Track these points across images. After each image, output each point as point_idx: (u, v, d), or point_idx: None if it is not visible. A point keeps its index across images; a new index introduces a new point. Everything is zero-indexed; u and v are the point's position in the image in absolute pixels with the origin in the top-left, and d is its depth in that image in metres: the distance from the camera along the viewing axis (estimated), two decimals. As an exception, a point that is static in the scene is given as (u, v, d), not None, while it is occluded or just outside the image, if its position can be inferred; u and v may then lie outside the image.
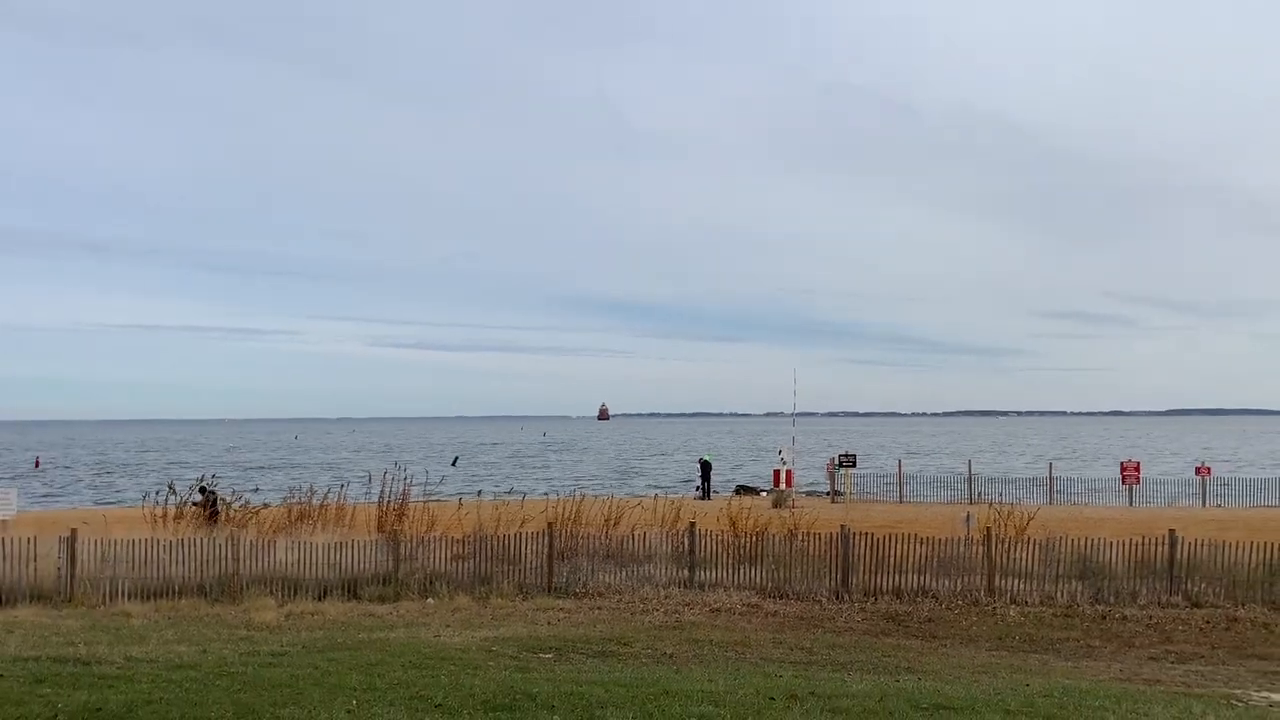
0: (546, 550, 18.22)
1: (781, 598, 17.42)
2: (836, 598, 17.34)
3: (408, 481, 23.19)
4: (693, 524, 19.22)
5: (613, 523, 20.83)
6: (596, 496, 26.94)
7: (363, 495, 24.00)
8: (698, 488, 41.84)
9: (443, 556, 18.23)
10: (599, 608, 16.55)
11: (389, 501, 22.16)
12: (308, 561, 17.55)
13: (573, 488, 27.19)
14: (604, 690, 8.96)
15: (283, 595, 16.88)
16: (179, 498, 22.07)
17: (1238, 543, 17.41)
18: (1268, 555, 17.04)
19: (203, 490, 22.76)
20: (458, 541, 18.58)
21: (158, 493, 22.71)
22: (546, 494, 30.51)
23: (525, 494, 29.79)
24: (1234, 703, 9.91)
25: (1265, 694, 10.88)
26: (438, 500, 24.46)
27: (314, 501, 22.46)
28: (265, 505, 22.58)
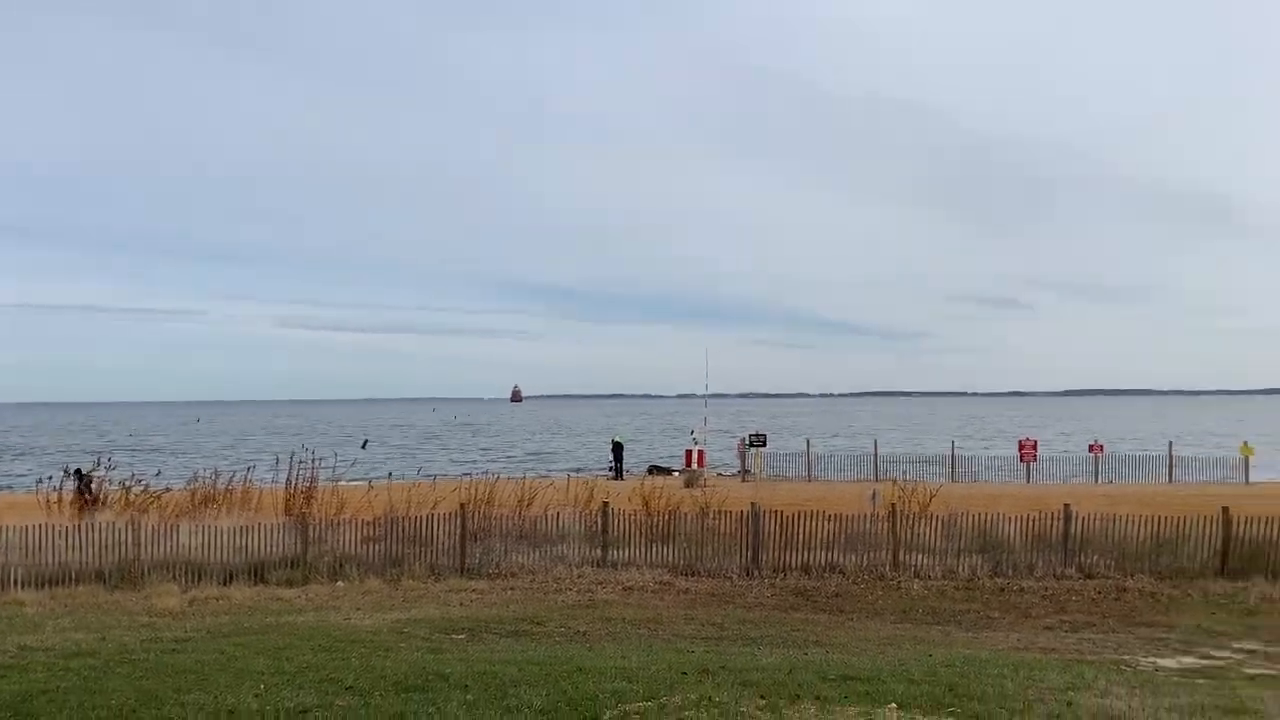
0: (459, 531, 18.10)
1: (693, 575, 17.63)
2: (747, 574, 17.63)
3: (316, 464, 22.74)
4: (606, 504, 19.31)
5: (526, 503, 20.78)
6: (509, 478, 26.83)
7: (269, 478, 23.41)
8: (610, 468, 41.99)
9: (352, 539, 17.97)
10: (512, 588, 16.53)
11: (296, 484, 21.70)
12: (212, 546, 17.11)
13: (485, 469, 27.03)
14: (517, 669, 8.97)
15: (186, 581, 16.44)
16: (71, 482, 21.29)
17: (1127, 517, 18.19)
18: (1155, 529, 17.84)
19: (78, 474, 21.96)
20: (368, 524, 18.33)
21: (51, 477, 21.86)
22: (459, 476, 30.24)
23: (437, 476, 29.45)
24: (1123, 668, 10.40)
25: (1152, 659, 11.44)
26: (347, 483, 24.03)
27: (218, 485, 21.85)
28: (167, 489, 21.90)
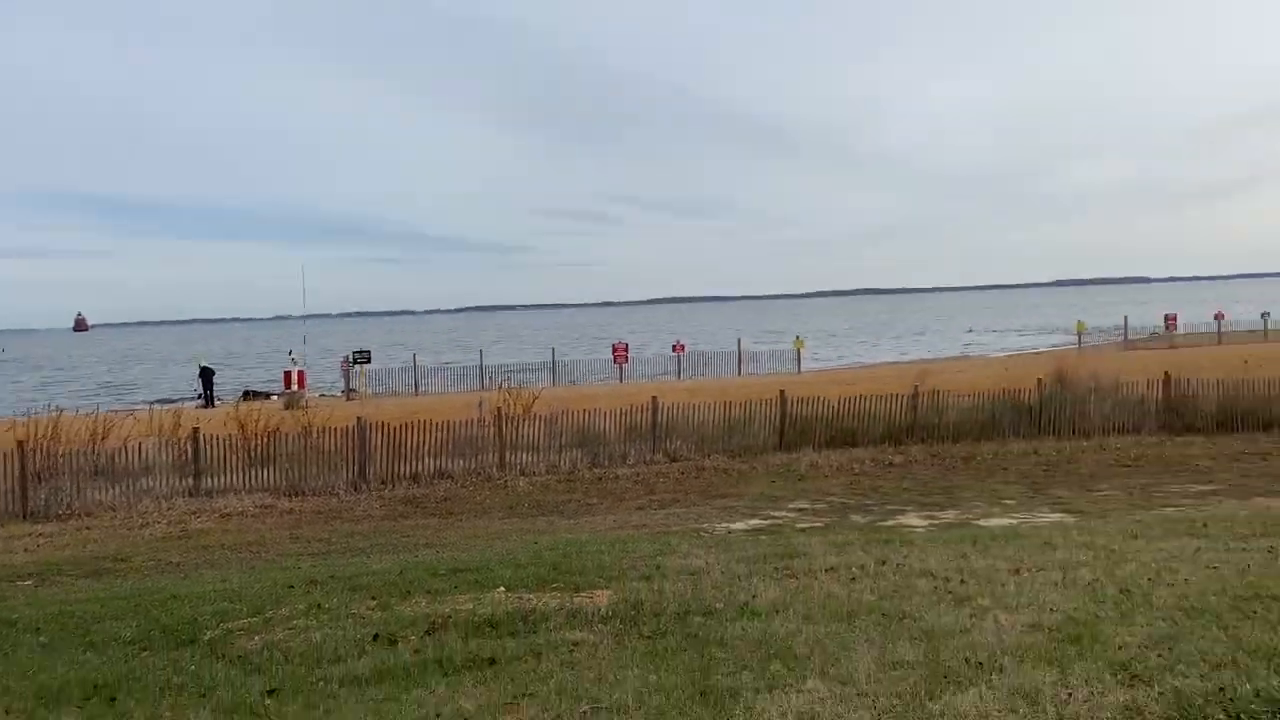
0: (18, 472, 16.03)
1: (298, 496, 17.05)
2: (355, 489, 17.36)
3: None
4: (196, 429, 18.00)
5: (101, 438, 18.77)
6: (78, 412, 24.04)
7: None
8: (199, 395, 39.06)
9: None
10: (89, 528, 15.00)
11: None
12: None
13: (46, 404, 23.88)
14: (100, 605, 8.24)
15: None
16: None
17: (704, 405, 20.16)
18: (727, 414, 19.96)
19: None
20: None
21: None
22: (13, 413, 26.55)
23: (-15, 415, 25.68)
24: (701, 534, 11.64)
25: (725, 525, 12.91)
26: None
27: None
28: None
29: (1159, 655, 4.54)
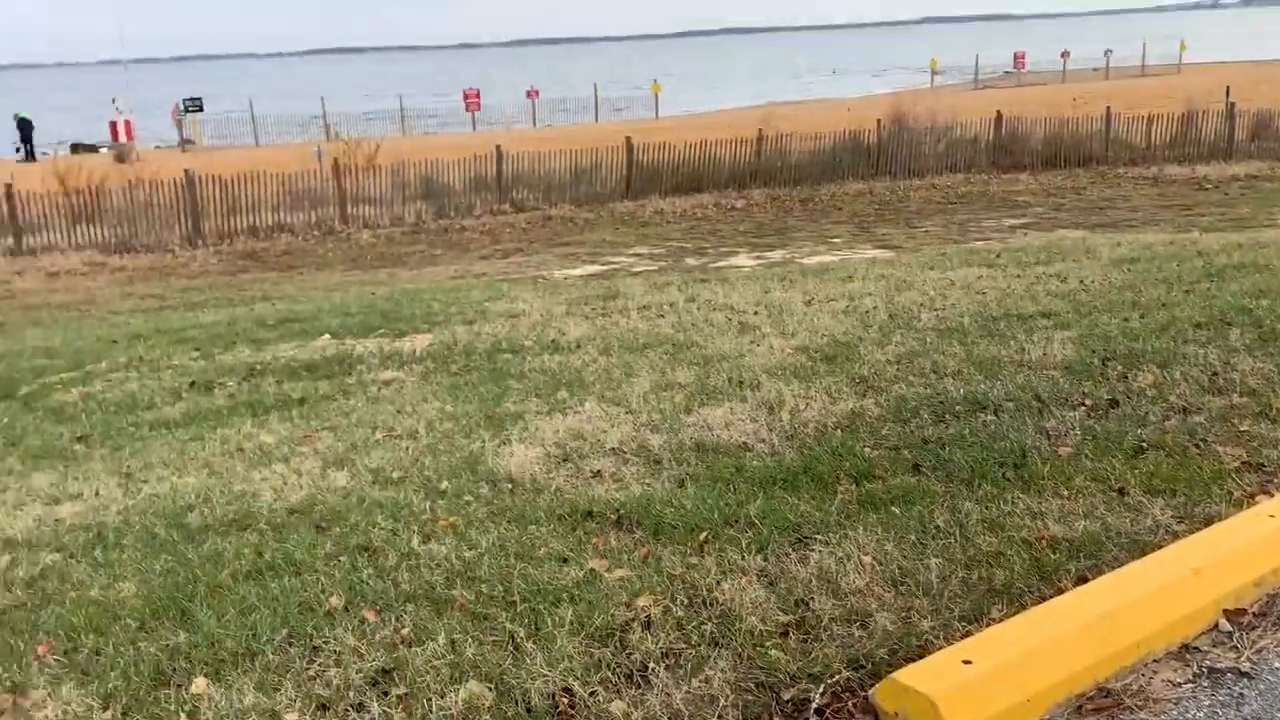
0: None
1: (130, 252, 16.56)
2: (190, 244, 16.94)
3: None
4: (9, 185, 16.98)
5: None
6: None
7: None
8: (17, 149, 36.31)
9: None
10: (-101, 292, 14.34)
11: None
12: None
13: None
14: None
15: None
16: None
17: (552, 153, 20.01)
18: (574, 162, 19.89)
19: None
20: None
21: None
22: None
23: None
24: (538, 281, 11.95)
25: (564, 271, 13.25)
26: None
27: None
28: None
29: (897, 369, 5.13)
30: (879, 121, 21.71)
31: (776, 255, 13.73)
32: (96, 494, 4.26)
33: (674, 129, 30.56)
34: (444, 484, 3.95)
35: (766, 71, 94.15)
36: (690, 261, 13.60)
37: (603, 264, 13.81)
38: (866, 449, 4.00)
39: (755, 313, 7.21)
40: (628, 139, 20.26)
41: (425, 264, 14.98)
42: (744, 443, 4.19)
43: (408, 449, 4.49)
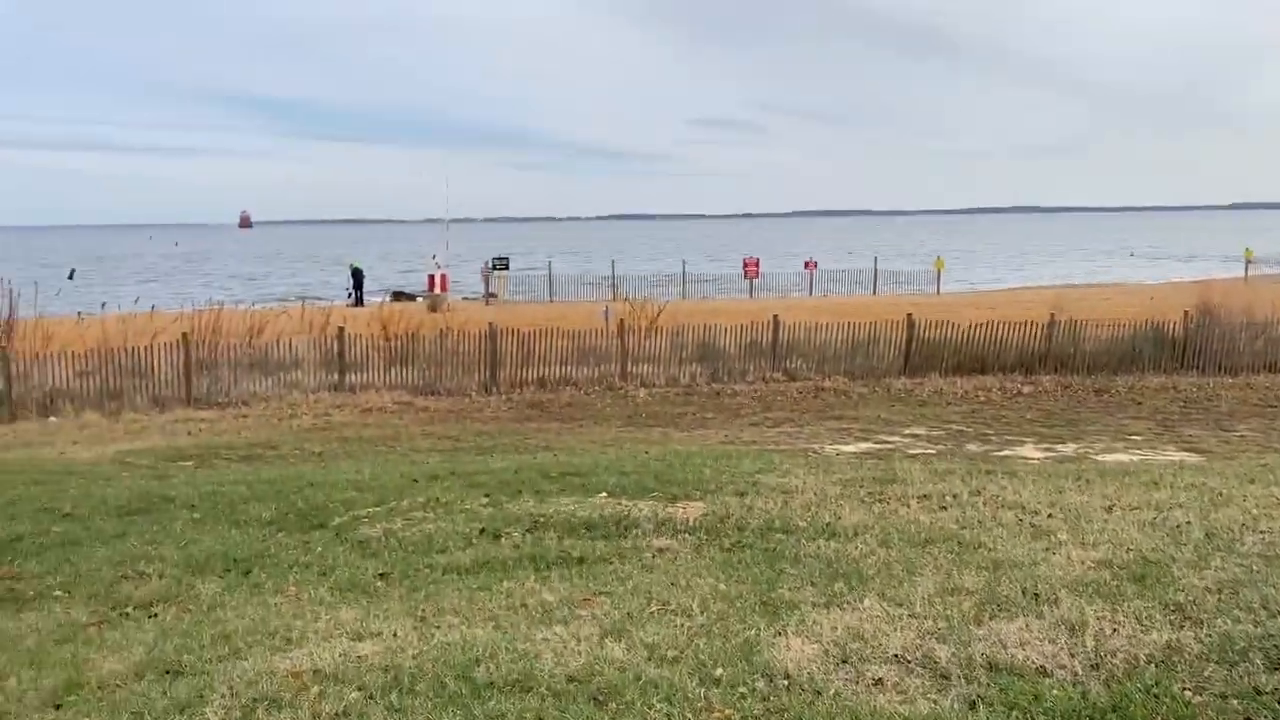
0: (183, 361, 17.44)
1: (433, 395, 18.01)
2: (486, 391, 18.22)
3: (14, 295, 20.87)
4: (342, 328, 19.13)
5: (257, 332, 20.18)
6: (239, 307, 25.76)
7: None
8: (349, 295, 41.03)
9: (64, 373, 16.93)
10: (244, 416, 16.29)
11: (-9, 318, 19.89)
12: (-106, 386, 15.63)
13: (209, 298, 25.73)
14: (247, 488, 9.10)
15: None
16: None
17: (828, 324, 20.12)
18: (851, 334, 19.88)
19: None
20: (81, 357, 17.28)
21: None
22: (180, 306, 28.64)
23: (155, 306, 27.77)
24: (809, 454, 11.86)
25: (835, 446, 13.09)
26: (53, 315, 22.30)
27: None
28: None
29: (1219, 599, 4.60)
30: (1186, 312, 20.29)
31: (1068, 449, 12.92)
32: (394, 635, 4.53)
33: (956, 305, 30.01)
34: (719, 670, 3.89)
35: (1058, 251, 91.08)
36: (971, 448, 13.05)
37: (877, 442, 13.52)
38: (1187, 692, 3.57)
39: (1049, 515, 6.75)
40: (909, 315, 20.07)
41: (697, 426, 15.27)
42: (1042, 666, 3.87)
43: (682, 626, 4.48)
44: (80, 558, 6.43)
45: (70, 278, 62.27)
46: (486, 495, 8.32)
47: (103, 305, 27.49)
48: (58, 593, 5.73)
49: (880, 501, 7.63)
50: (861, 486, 8.38)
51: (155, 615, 5.23)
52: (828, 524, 6.71)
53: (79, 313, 23.51)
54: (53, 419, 15.89)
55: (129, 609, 5.38)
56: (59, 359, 17.14)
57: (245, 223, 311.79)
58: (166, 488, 9.33)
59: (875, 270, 41.79)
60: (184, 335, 17.87)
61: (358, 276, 41.21)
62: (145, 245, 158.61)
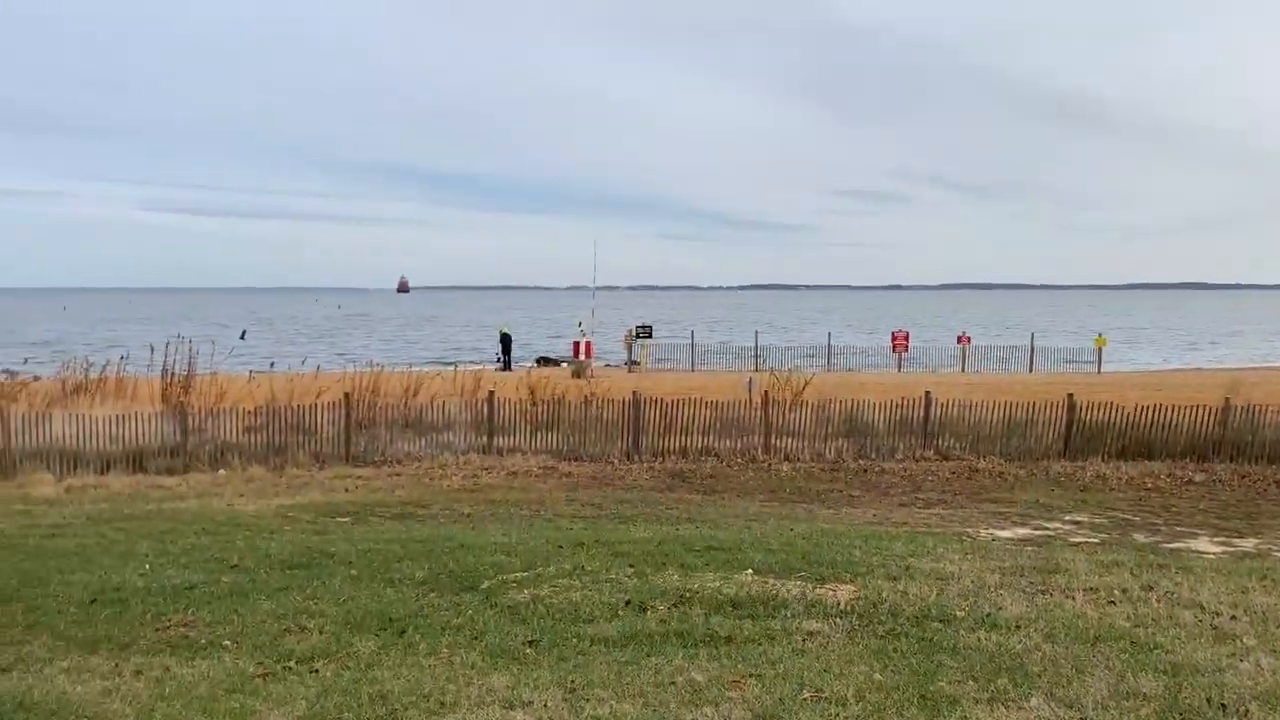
0: (343, 420, 18.21)
1: (576, 460, 18.21)
2: (628, 458, 18.31)
3: (193, 353, 22.35)
4: (491, 392, 19.63)
5: (412, 393, 20.94)
6: (396, 369, 26.83)
7: (145, 368, 22.92)
8: (498, 359, 42.19)
9: (234, 428, 17.92)
10: (398, 474, 16.83)
11: (174, 373, 21.34)
12: (88, 435, 16.85)
13: (370, 360, 26.96)
14: (401, 547, 9.36)
15: (61, 470, 16.22)
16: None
17: (983, 403, 19.44)
18: (1007, 414, 19.14)
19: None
20: (250, 413, 18.27)
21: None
22: (342, 366, 30.05)
23: (320, 366, 29.23)
24: (963, 538, 11.39)
25: (990, 531, 12.55)
26: (226, 373, 23.73)
27: (91, 374, 21.35)
28: (36, 378, 21.29)
29: None
30: (1381, 399, 18.74)
31: (1247, 544, 12.02)
32: (545, 705, 4.54)
33: (1119, 386, 28.61)
34: (877, 767, 3.72)
35: (1231, 331, 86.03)
36: (1139, 538, 12.29)
37: (1035, 528, 12.89)
38: None
39: (1233, 617, 6.27)
40: (1069, 396, 19.21)
41: (843, 504, 14.92)
42: (1236, 789, 3.55)
43: (836, 717, 4.33)
44: (247, 609, 6.71)
45: (242, 338, 66.35)
46: (631, 566, 8.31)
47: (272, 364, 29.11)
48: (226, 642, 5.99)
49: (1043, 593, 7.25)
50: (1022, 575, 7.99)
51: (316, 671, 5.40)
52: (987, 614, 6.41)
53: (250, 371, 24.92)
54: (222, 471, 16.79)
55: (291, 662, 5.57)
56: (230, 414, 18.17)
57: (403, 287, 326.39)
58: (326, 543, 9.70)
59: (1031, 347, 40.32)
60: (346, 395, 18.69)
61: (506, 342, 42.39)
62: (311, 308, 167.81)
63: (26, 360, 26.16)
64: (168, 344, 22.22)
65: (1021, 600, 6.91)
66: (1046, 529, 12.89)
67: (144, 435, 17.18)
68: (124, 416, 17.43)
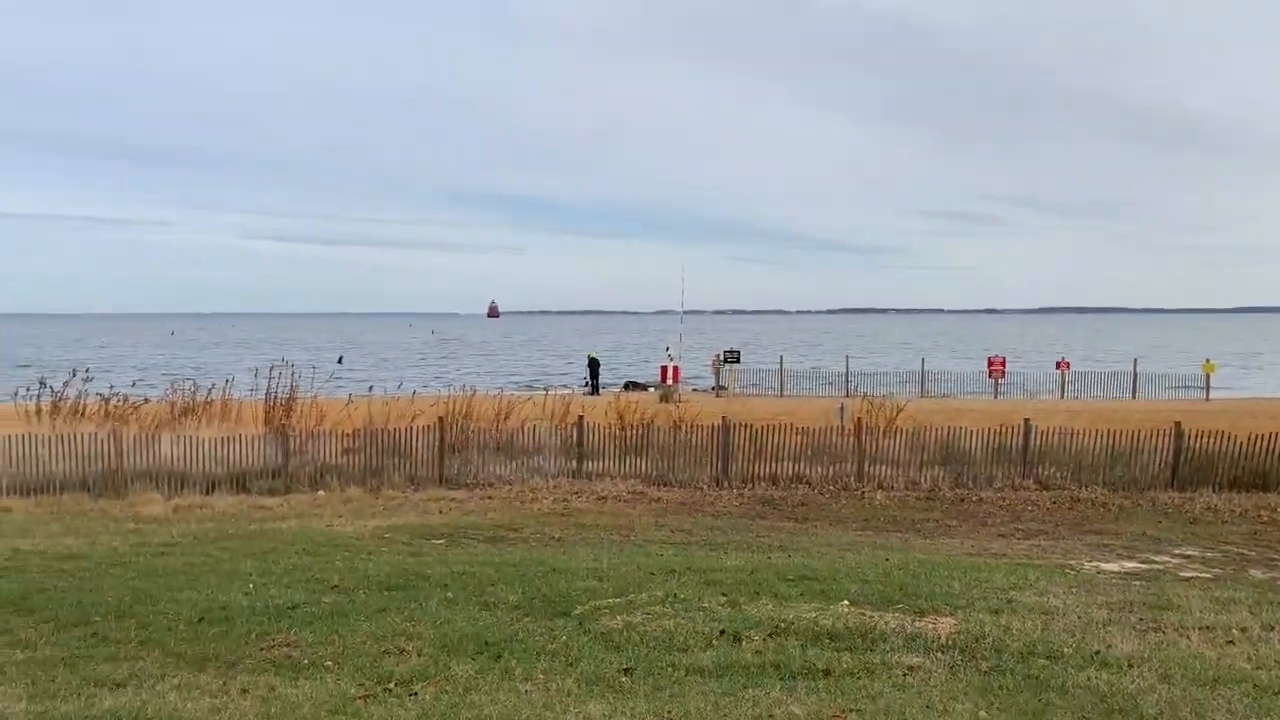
0: (437, 443, 18.52)
1: (665, 485, 18.18)
2: (717, 485, 18.20)
3: (295, 377, 23.00)
4: (581, 417, 19.75)
5: (503, 417, 21.18)
6: (487, 393, 27.19)
7: (248, 391, 23.67)
8: (586, 383, 42.47)
9: (333, 450, 18.37)
10: (490, 497, 17.02)
11: (276, 397, 21.98)
12: (194, 456, 17.47)
13: (463, 384, 27.41)
14: (494, 570, 9.45)
15: (169, 489, 16.83)
16: (52, 392, 21.44)
17: (1084, 431, 18.84)
18: (1110, 442, 18.50)
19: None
20: (348, 436, 18.71)
21: (28, 388, 22.01)
22: (436, 390, 30.57)
23: (415, 390, 29.79)
24: (1066, 571, 11.01)
25: (1095, 564, 12.09)
26: (325, 396, 24.35)
27: (197, 397, 22.12)
28: (145, 400, 22.14)
29: None
30: None
31: (1375, 582, 11.33)
32: (642, 736, 4.50)
33: (1229, 413, 27.44)
34: (987, 811, 3.59)
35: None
36: (1256, 574, 11.71)
37: (1143, 562, 12.39)
38: None
39: (1366, 662, 5.91)
40: (1177, 424, 18.49)
41: (939, 534, 14.57)
42: None
43: (942, 756, 4.19)
44: (347, 630, 6.84)
45: (339, 362, 68.16)
46: (724, 594, 8.23)
47: (370, 388, 29.74)
48: (328, 663, 6.10)
49: (1155, 630, 6.96)
50: (1131, 611, 7.69)
51: (415, 694, 5.46)
52: (1096, 652, 6.17)
53: (349, 395, 25.52)
54: (320, 492, 17.20)
55: (391, 685, 5.64)
56: (329, 437, 18.63)
57: (493, 312, 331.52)
58: (422, 565, 9.84)
59: (1134, 373, 38.95)
60: (440, 419, 19.01)
61: (594, 366, 42.67)
62: (405, 332, 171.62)
63: (135, 383, 27.21)
64: (271, 368, 22.91)
65: (1132, 638, 6.64)
66: (1155, 563, 12.37)
67: (247, 457, 17.73)
68: (229, 439, 18.01)
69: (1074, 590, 8.77)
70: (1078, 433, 18.79)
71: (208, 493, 16.85)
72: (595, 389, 40.47)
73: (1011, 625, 6.95)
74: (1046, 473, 18.27)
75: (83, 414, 20.97)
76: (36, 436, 17.18)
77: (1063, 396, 37.49)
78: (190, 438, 17.94)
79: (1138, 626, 7.06)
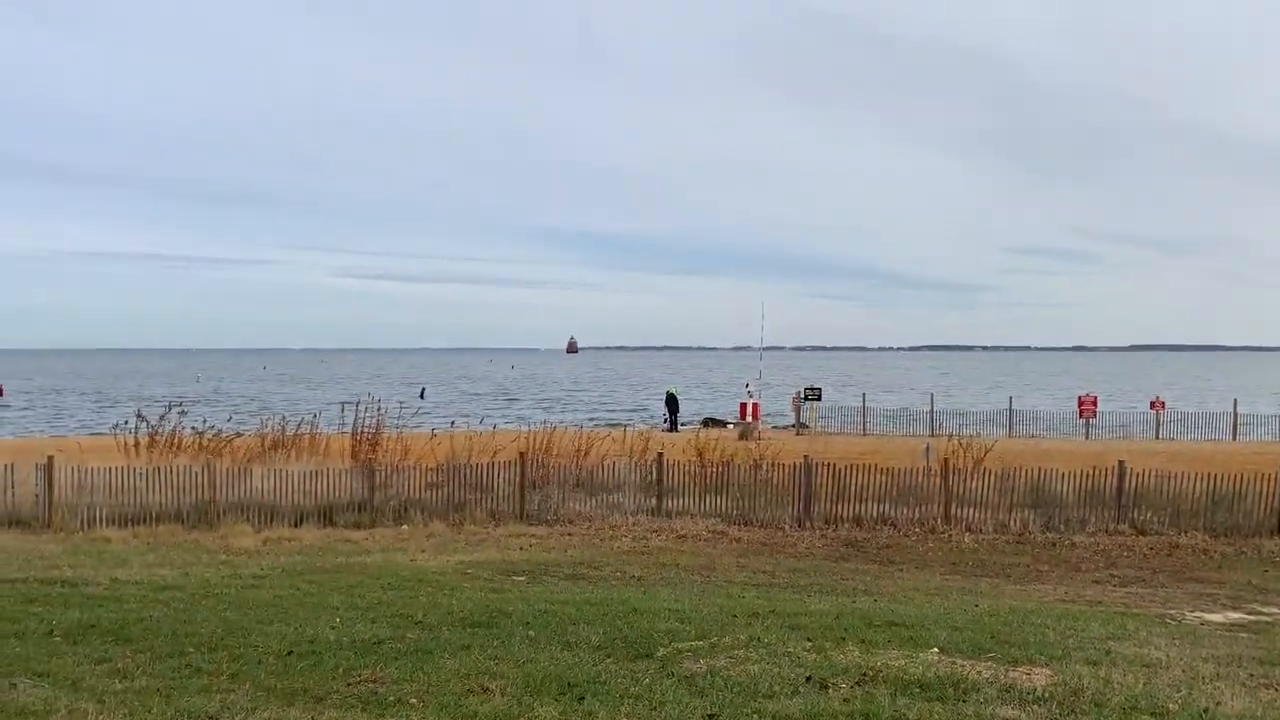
0: (518, 479, 18.65)
1: (746, 525, 18.00)
2: (799, 525, 17.96)
3: (380, 411, 23.44)
4: (660, 454, 19.71)
5: (583, 453, 21.25)
6: (567, 428, 27.32)
7: (335, 426, 24.20)
8: (665, 420, 42.40)
9: (417, 484, 18.63)
10: (569, 534, 17.05)
11: (362, 431, 22.41)
12: (284, 489, 17.88)
13: (543, 419, 27.65)
14: (575, 609, 9.42)
15: (259, 522, 17.24)
16: (150, 426, 22.18)
17: (1183, 474, 18.14)
18: (1211, 486, 17.78)
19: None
20: (431, 470, 18.97)
21: (127, 422, 22.79)
22: (517, 425, 30.86)
23: (496, 425, 30.13)
24: (1167, 621, 10.56)
25: (1198, 614, 11.57)
26: (409, 431, 24.75)
27: (287, 431, 22.67)
28: (238, 434, 22.77)
29: None
30: None
31: None
32: (729, 786, 4.40)
33: (1338, 458, 26.15)
34: None
35: None
36: (1375, 630, 11.07)
37: (1250, 613, 11.81)
38: None
39: None
40: (1282, 467, 17.69)
41: (1030, 579, 14.13)
42: None
43: (1044, 818, 4.01)
44: (431, 667, 6.86)
45: (421, 396, 69.27)
46: (809, 639, 8.07)
47: (452, 423, 30.19)
48: (413, 700, 6.13)
49: (1268, 687, 6.62)
50: (1241, 666, 7.33)
51: (500, 734, 5.44)
52: (1205, 709, 5.88)
53: (432, 430, 25.89)
54: (404, 526, 17.44)
55: (476, 724, 5.63)
56: (413, 471, 18.91)
57: (572, 348, 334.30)
58: (504, 602, 9.87)
59: (1235, 413, 37.46)
60: (520, 455, 19.15)
61: (673, 402, 42.57)
62: (486, 368, 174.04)
63: (231, 417, 28.05)
64: (358, 403, 23.37)
65: (1243, 694, 6.32)
66: (1263, 615, 11.79)
67: (334, 490, 18.08)
68: (316, 472, 18.40)
69: (1176, 642, 8.40)
70: (1175, 475, 18.11)
71: (296, 525, 17.21)
72: (674, 425, 40.37)
73: (1112, 678, 6.67)
74: (1142, 517, 17.64)
75: (178, 447, 21.64)
76: (134, 469, 17.78)
77: (1157, 437, 36.21)
78: (280, 471, 18.38)
79: (1248, 683, 6.72)
